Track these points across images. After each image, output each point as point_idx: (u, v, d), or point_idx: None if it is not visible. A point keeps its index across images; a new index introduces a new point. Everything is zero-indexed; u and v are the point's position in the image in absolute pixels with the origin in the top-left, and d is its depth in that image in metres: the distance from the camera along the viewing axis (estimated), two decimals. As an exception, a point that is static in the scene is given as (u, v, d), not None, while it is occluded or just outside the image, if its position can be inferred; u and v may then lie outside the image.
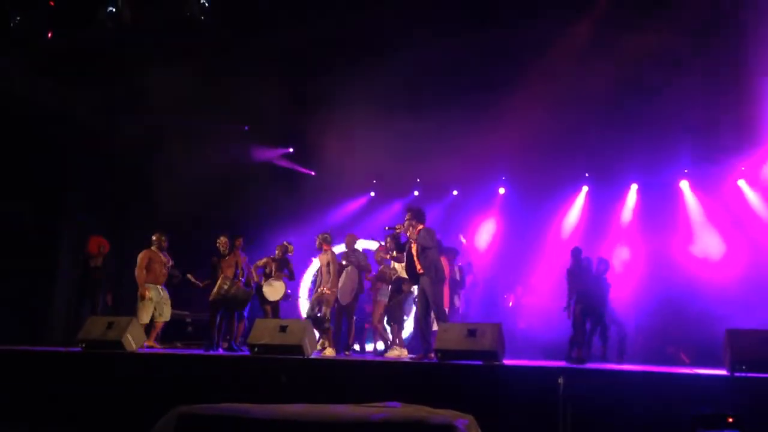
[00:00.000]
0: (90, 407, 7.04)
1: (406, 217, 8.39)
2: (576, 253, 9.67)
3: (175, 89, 11.02)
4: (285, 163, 14.17)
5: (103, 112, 11.05)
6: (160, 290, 9.86)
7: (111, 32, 9.21)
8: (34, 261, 11.12)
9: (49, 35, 9.33)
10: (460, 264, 11.05)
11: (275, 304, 10.18)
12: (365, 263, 9.99)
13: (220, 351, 9.68)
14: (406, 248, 8.39)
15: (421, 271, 8.10)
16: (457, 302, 10.71)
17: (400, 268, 9.31)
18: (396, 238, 8.64)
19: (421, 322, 8.13)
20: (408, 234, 8.35)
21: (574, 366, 8.10)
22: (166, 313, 9.89)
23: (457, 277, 10.65)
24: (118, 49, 10.08)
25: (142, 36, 9.80)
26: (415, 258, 8.19)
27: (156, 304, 9.78)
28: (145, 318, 9.57)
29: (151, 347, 9.53)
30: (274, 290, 10.12)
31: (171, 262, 10.10)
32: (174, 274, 10.19)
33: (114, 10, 8.71)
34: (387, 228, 9.01)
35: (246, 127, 12.94)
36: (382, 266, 9.79)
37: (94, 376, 7.42)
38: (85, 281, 10.19)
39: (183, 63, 10.09)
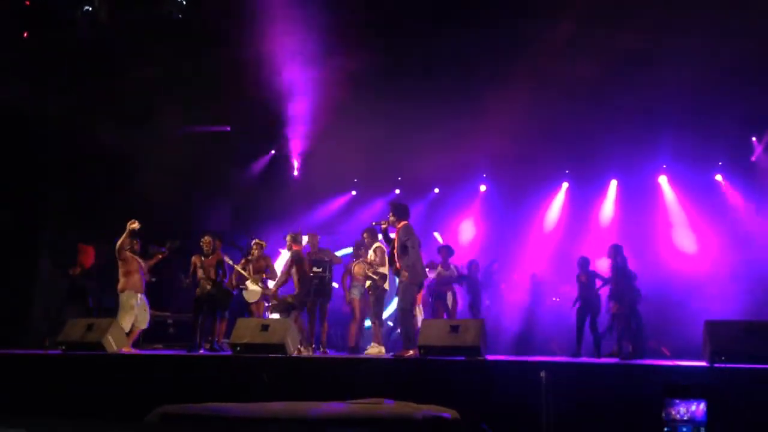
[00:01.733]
0: (72, 409, 6.97)
1: (389, 213, 8.38)
2: (618, 250, 9.64)
3: (155, 89, 10.99)
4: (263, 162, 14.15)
5: (81, 112, 10.95)
6: (140, 297, 9.49)
7: (87, 32, 9.11)
8: (12, 265, 10.99)
9: (25, 35, 9.22)
10: (455, 263, 11.06)
11: (255, 306, 10.14)
12: (336, 259, 10.09)
13: (203, 351, 9.62)
14: (391, 245, 8.39)
15: (399, 268, 8.09)
16: (449, 300, 10.66)
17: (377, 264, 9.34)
18: (385, 233, 8.59)
19: (402, 319, 8.10)
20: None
21: (557, 360, 8.16)
22: (143, 320, 9.53)
23: (455, 274, 10.67)
24: (94, 48, 9.98)
25: (119, 35, 9.71)
26: (395, 255, 8.18)
27: (136, 311, 9.45)
28: (126, 325, 9.21)
29: (128, 352, 9.43)
30: (251, 292, 10.09)
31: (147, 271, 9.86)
32: (184, 281, 10.13)
33: (90, 9, 8.63)
34: (374, 223, 8.97)
35: (228, 128, 12.88)
36: (356, 263, 9.77)
37: (76, 378, 7.35)
38: (76, 288, 10.12)
39: (162, 62, 10.04)
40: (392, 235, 8.29)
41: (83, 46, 9.70)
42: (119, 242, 9.39)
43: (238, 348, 7.69)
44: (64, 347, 8.12)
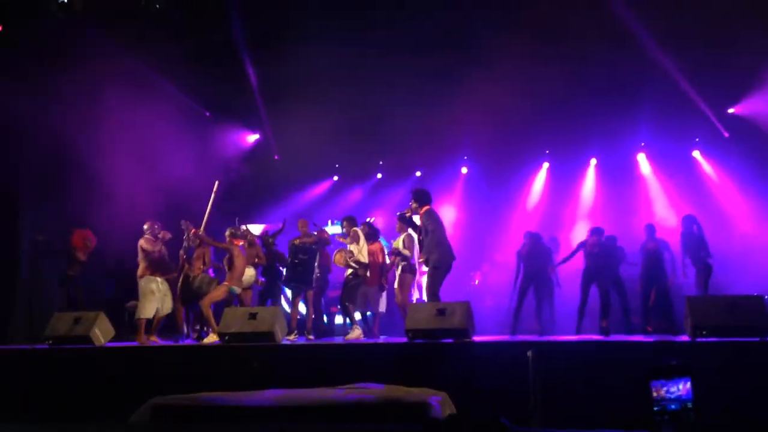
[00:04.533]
0: (62, 404, 6.98)
1: (411, 200, 8.42)
2: (694, 220, 9.80)
3: (134, 76, 10.89)
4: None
5: (55, 102, 10.82)
6: (160, 282, 9.34)
7: (63, 23, 9.01)
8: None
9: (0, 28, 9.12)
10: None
11: (244, 293, 10.10)
12: (326, 239, 10.13)
13: (190, 341, 9.63)
14: (419, 232, 8.42)
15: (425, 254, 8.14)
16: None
17: (356, 251, 9.37)
18: (410, 221, 8.60)
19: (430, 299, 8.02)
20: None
21: (543, 339, 8.27)
22: (167, 306, 9.39)
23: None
24: (69, 39, 9.87)
25: (96, 25, 9.60)
26: (421, 240, 8.24)
27: (158, 297, 9.28)
28: (148, 312, 9.10)
29: (155, 342, 9.20)
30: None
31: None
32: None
33: (65, 0, 8.52)
34: (398, 213, 8.97)
35: (207, 113, 12.79)
36: (337, 251, 9.76)
37: (64, 372, 7.35)
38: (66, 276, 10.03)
39: (141, 51, 9.95)
40: (418, 222, 8.34)
41: (60, 36, 9.59)
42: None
43: (227, 337, 7.72)
44: (50, 341, 8.11)
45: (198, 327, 9.88)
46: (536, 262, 10.40)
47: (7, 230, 11.18)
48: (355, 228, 9.56)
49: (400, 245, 9.46)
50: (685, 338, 6.96)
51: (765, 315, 6.50)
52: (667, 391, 3.10)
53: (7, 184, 11.11)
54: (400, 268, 9.42)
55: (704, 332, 6.55)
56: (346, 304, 9.39)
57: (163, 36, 9.98)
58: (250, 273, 9.89)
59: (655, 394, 3.12)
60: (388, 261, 9.86)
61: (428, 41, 10.98)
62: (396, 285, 9.54)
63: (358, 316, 9.82)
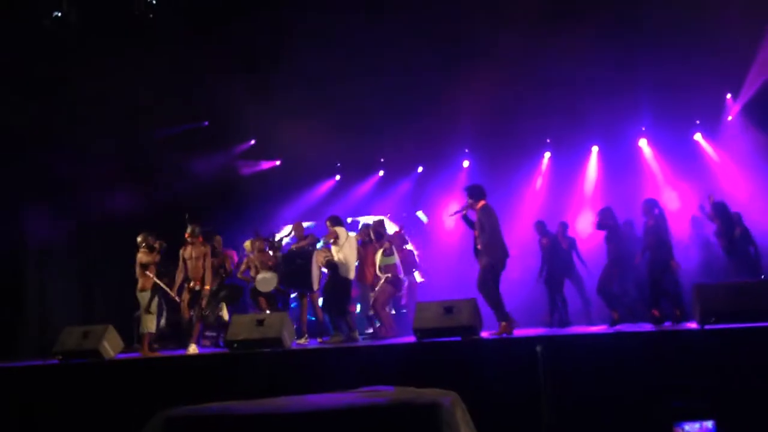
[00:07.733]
0: (75, 418, 7.00)
1: (467, 198, 8.32)
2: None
3: (129, 90, 10.89)
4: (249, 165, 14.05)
5: (59, 117, 10.84)
6: (161, 295, 9.37)
7: (59, 36, 9.01)
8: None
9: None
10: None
11: (268, 295, 9.99)
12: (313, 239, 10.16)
13: (200, 350, 9.62)
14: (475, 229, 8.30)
15: (480, 249, 8.05)
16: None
17: (334, 251, 9.36)
18: (466, 219, 8.48)
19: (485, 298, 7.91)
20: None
21: (552, 333, 8.25)
22: (164, 317, 9.58)
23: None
24: (65, 52, 9.87)
25: (90, 37, 9.59)
26: (476, 236, 8.16)
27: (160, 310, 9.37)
28: (153, 326, 9.14)
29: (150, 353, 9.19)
30: (266, 282, 9.86)
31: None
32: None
33: (60, 14, 8.50)
34: (453, 213, 8.81)
35: (205, 123, 12.80)
36: (318, 251, 9.70)
37: (76, 387, 7.37)
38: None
39: (134, 63, 9.93)
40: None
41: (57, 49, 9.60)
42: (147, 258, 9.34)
43: (236, 344, 7.73)
44: (60, 357, 8.12)
45: (211, 334, 9.89)
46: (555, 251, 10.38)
47: (10, 240, 11.22)
48: (334, 228, 9.53)
49: (379, 259, 9.56)
50: (693, 325, 6.95)
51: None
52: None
53: (12, 197, 11.15)
54: (383, 279, 9.50)
55: (713, 319, 6.53)
56: (330, 307, 9.41)
57: (156, 45, 9.94)
58: (269, 276, 9.87)
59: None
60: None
61: (425, 32, 10.93)
62: (375, 293, 9.62)
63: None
